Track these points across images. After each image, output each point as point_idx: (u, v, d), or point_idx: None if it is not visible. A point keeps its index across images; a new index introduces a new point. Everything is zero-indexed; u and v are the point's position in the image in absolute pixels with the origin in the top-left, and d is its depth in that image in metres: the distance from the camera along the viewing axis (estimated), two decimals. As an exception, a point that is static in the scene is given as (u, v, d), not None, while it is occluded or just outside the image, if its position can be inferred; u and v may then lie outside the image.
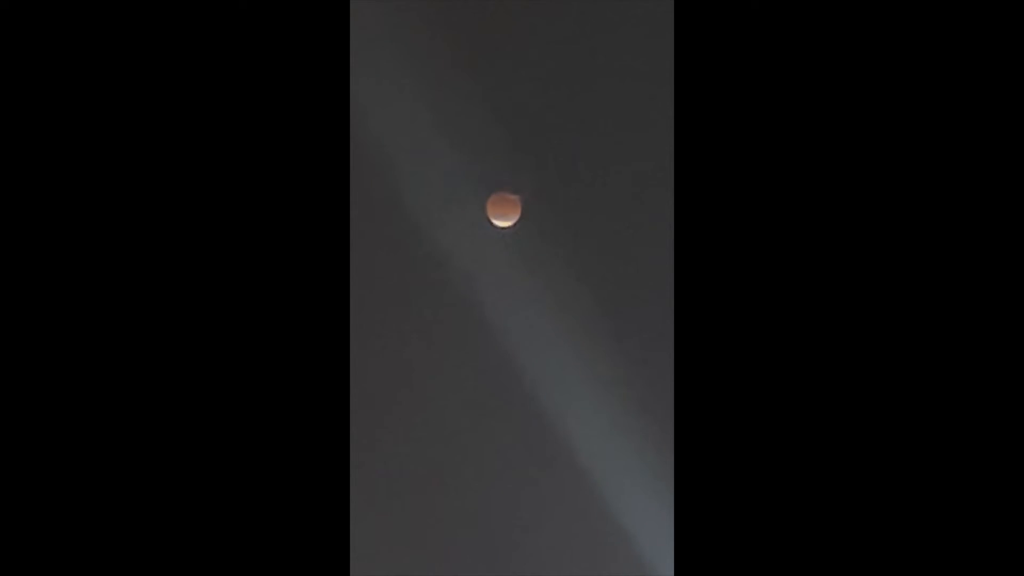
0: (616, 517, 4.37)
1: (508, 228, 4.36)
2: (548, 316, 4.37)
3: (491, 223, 4.36)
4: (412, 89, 4.29)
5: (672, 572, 4.25)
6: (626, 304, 4.39)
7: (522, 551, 4.41)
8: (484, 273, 4.36)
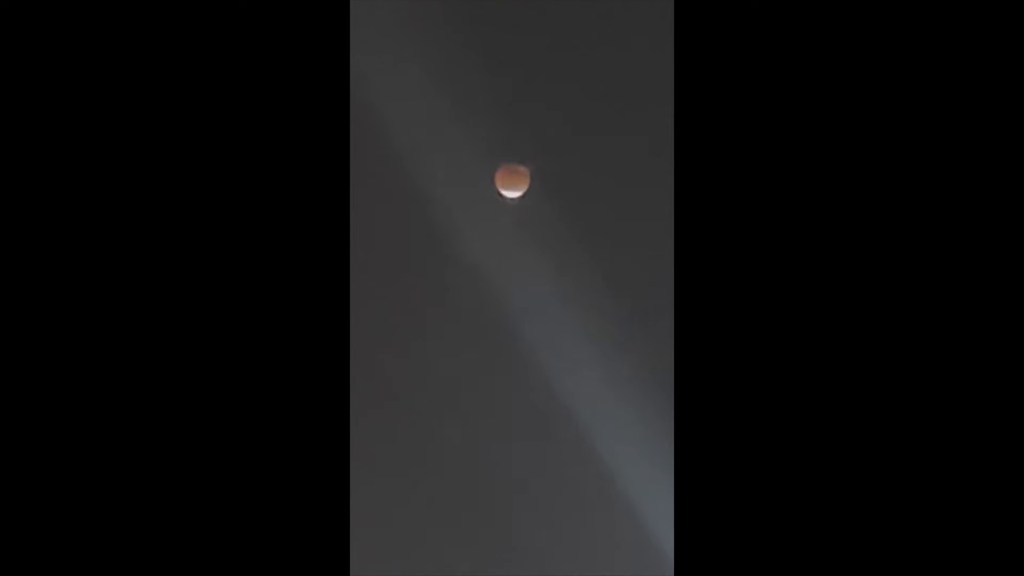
0: (619, 488, 4.28)
1: (516, 199, 4.37)
2: (555, 286, 4.34)
3: (500, 194, 4.38)
4: (418, 60, 4.34)
5: (672, 543, 4.13)
6: (633, 274, 4.35)
7: (525, 525, 4.33)
8: (492, 244, 4.37)
